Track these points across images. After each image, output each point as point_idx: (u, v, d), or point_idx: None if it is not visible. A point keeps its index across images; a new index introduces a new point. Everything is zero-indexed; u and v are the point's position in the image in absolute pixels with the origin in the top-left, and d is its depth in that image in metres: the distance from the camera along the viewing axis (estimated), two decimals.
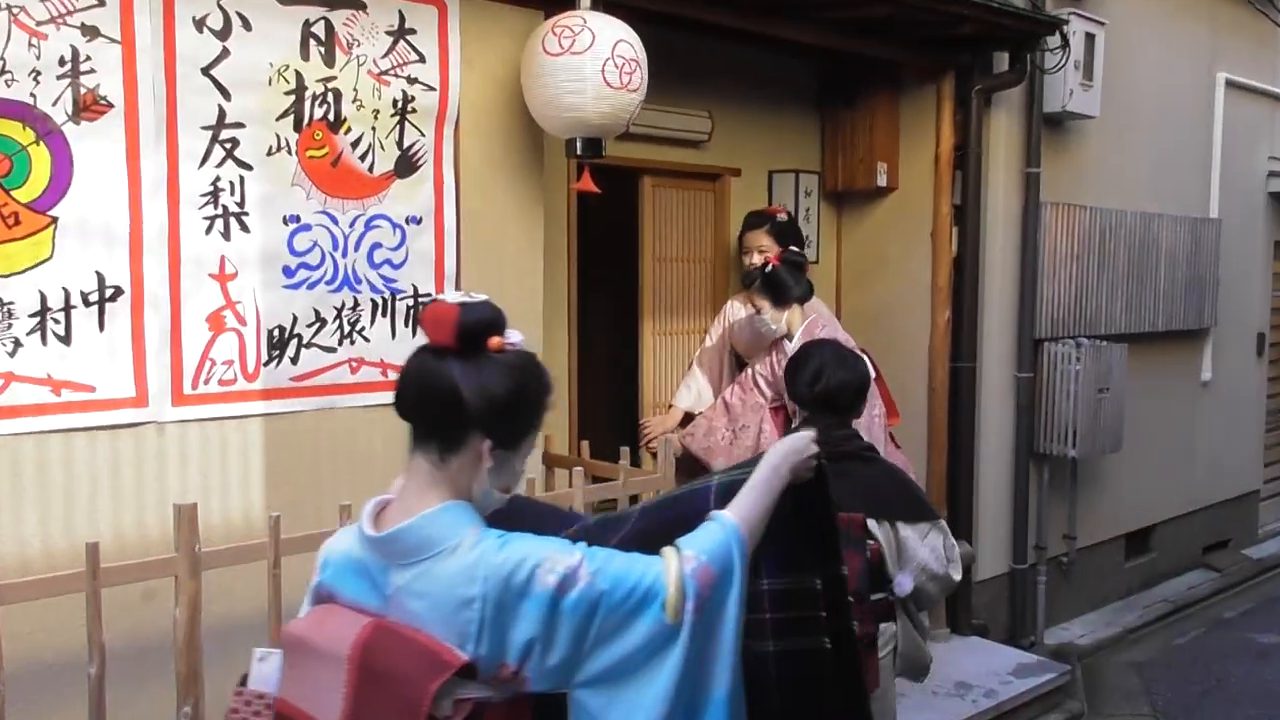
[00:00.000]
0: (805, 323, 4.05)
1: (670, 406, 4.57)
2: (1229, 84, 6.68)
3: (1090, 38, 5.23)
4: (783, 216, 4.56)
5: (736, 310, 4.46)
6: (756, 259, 4.39)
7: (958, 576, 2.68)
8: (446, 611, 1.43)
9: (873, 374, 3.47)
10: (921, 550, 2.61)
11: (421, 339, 1.54)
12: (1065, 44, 5.02)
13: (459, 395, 1.48)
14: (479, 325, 1.50)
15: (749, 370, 4.18)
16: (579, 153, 3.33)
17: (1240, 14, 6.68)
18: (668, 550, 1.50)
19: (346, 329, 3.10)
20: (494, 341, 1.52)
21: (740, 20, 4.06)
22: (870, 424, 3.63)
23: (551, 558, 1.44)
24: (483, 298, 1.55)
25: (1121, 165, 5.91)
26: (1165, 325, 6.18)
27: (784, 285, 3.98)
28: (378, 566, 1.52)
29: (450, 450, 1.52)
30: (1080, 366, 5.33)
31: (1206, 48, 6.53)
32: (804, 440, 1.70)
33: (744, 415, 4.07)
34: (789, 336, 4.01)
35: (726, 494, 1.62)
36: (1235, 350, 7.06)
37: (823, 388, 2.65)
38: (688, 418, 4.43)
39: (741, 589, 1.51)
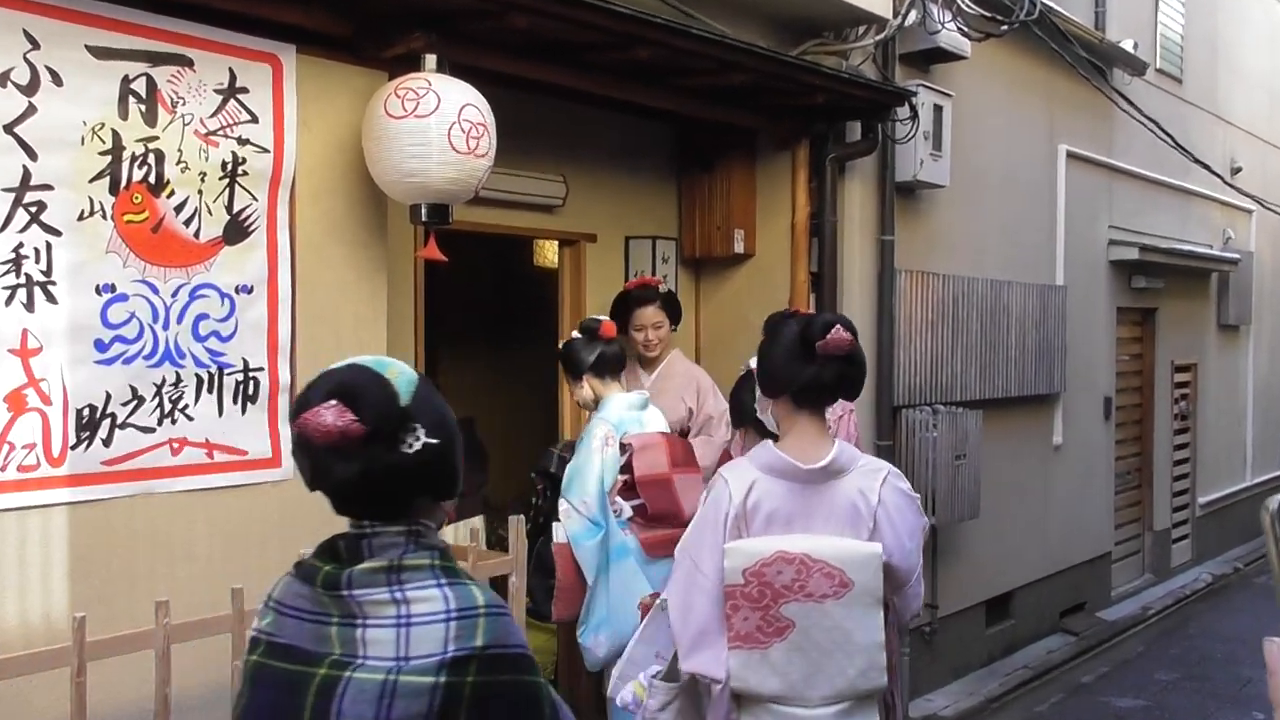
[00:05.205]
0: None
1: None
2: (1070, 155, 7.22)
3: (938, 109, 5.58)
4: (664, 286, 4.72)
5: None
6: (652, 336, 4.53)
7: None
8: None
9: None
10: None
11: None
12: (914, 115, 5.33)
13: None
14: None
15: None
16: (424, 219, 3.34)
17: (1076, 89, 7.25)
18: None
19: (168, 407, 2.98)
20: None
21: (596, 85, 4.17)
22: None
23: None
24: None
25: (972, 233, 6.29)
26: (1018, 391, 6.54)
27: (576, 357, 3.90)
28: None
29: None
30: (937, 433, 5.58)
31: (1047, 121, 7.06)
32: None
33: None
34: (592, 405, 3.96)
35: None
36: (1084, 414, 7.53)
37: None
38: None
39: None
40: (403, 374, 1.48)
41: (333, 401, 1.41)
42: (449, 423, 1.51)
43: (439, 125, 3.17)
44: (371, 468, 1.43)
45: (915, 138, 5.39)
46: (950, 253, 6.10)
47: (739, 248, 5.21)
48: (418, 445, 1.45)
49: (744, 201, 5.23)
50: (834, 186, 5.20)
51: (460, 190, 3.29)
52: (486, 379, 6.80)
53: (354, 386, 1.43)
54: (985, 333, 6.23)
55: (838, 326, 2.38)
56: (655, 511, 3.69)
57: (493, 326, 6.99)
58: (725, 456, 3.86)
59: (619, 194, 5.09)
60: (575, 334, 3.99)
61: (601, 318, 4.02)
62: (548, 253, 6.30)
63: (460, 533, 4.03)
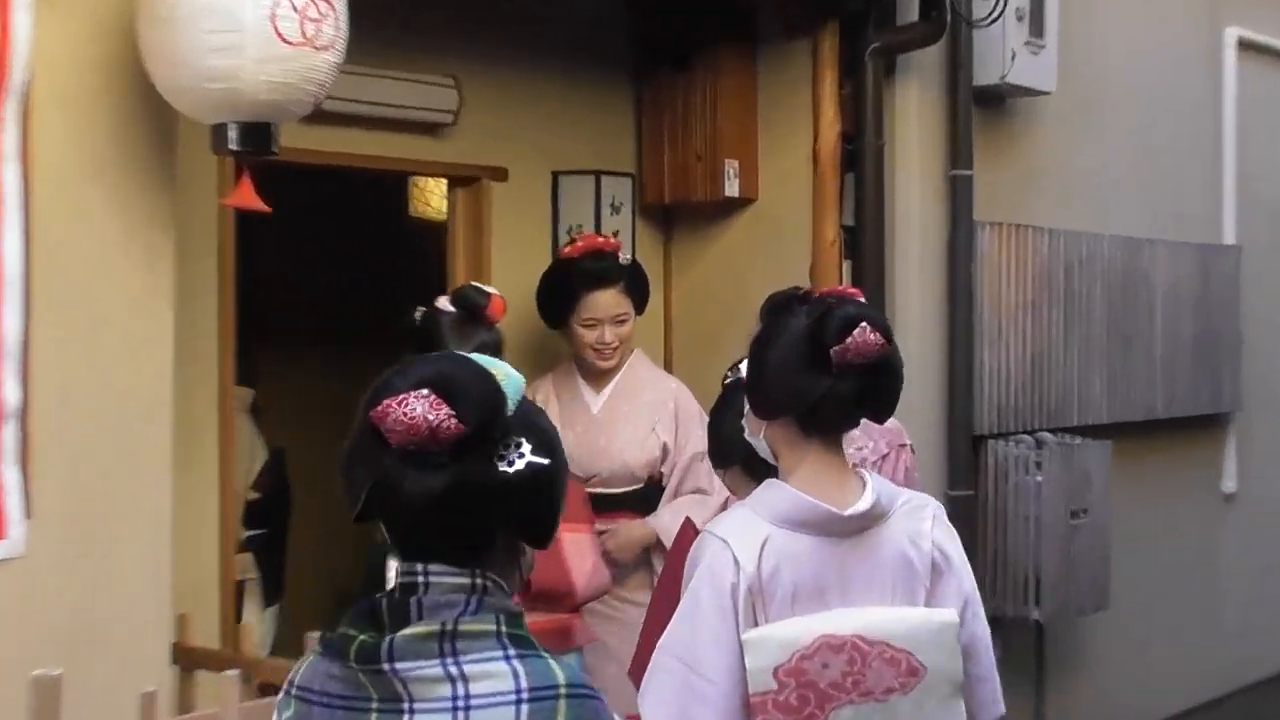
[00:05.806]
0: None
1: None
2: (1242, 45, 7.29)
3: None
4: (626, 256, 4.72)
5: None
6: (610, 335, 4.52)
7: None
8: None
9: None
10: None
11: None
12: None
13: None
14: None
15: None
16: (234, 146, 3.33)
17: None
18: None
19: None
20: None
21: None
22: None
23: None
24: None
25: (1091, 166, 6.35)
26: (1165, 409, 6.62)
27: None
28: None
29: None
30: (1043, 477, 5.61)
31: None
32: None
33: None
34: None
35: None
36: (1271, 445, 7.61)
37: None
38: None
39: None
40: (510, 376, 1.73)
41: (425, 390, 1.60)
42: (558, 445, 1.76)
43: (256, 1, 3.16)
44: (459, 483, 1.62)
45: (1004, 17, 5.42)
46: (1058, 196, 6.16)
47: (732, 189, 5.24)
48: (520, 463, 1.65)
49: (739, 118, 5.27)
50: (878, 95, 5.23)
51: (291, 101, 3.30)
52: (331, 388, 6.77)
53: (454, 378, 1.66)
54: (1114, 319, 6.30)
55: (863, 325, 2.43)
56: (540, 586, 3.72)
57: (342, 312, 6.98)
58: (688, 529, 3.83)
59: (543, 107, 5.10)
60: (445, 305, 3.93)
61: (491, 290, 4.01)
62: (431, 196, 6.29)
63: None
